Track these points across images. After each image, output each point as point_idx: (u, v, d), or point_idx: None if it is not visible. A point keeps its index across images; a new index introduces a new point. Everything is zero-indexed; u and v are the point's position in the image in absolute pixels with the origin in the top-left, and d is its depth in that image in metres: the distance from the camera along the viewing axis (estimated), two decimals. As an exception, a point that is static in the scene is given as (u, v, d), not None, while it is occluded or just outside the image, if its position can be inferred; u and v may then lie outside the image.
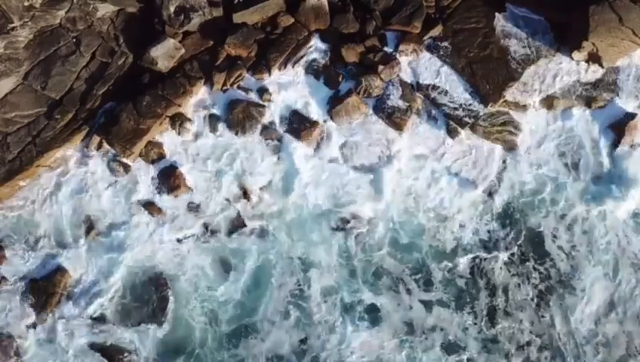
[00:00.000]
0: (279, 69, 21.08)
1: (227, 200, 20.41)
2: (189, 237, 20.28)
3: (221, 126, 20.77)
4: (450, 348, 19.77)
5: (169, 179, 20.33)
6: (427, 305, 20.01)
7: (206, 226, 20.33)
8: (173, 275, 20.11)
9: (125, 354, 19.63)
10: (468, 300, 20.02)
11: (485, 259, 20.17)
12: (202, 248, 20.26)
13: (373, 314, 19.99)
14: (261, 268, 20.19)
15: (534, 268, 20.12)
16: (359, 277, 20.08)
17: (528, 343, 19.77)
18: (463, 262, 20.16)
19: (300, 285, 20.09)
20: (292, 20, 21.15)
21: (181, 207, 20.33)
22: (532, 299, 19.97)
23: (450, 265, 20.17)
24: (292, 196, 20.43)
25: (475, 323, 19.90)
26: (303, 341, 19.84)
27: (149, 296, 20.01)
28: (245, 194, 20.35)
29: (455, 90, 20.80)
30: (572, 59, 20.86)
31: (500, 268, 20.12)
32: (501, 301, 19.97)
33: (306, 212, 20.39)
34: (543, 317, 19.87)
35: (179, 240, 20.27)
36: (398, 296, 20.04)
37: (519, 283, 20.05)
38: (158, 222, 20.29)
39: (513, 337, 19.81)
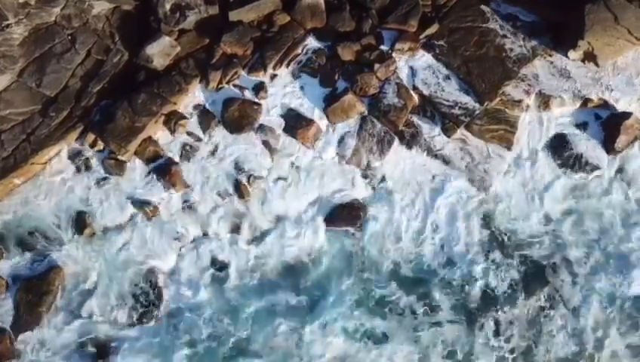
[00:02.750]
0: (275, 67, 21.06)
1: (221, 196, 20.33)
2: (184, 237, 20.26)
3: (216, 124, 20.73)
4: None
5: (165, 176, 20.26)
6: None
7: (202, 226, 20.26)
8: (168, 274, 20.02)
9: (118, 351, 19.52)
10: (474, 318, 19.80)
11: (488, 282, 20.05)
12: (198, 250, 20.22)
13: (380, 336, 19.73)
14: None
15: (536, 289, 19.94)
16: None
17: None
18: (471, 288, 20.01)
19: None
20: (288, 19, 21.17)
21: (176, 205, 20.25)
22: (537, 317, 19.79)
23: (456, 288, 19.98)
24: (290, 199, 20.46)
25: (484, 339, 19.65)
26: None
27: (144, 294, 19.88)
28: (240, 193, 20.25)
29: (451, 88, 20.81)
30: (568, 58, 20.91)
31: (503, 289, 19.95)
32: (505, 318, 19.73)
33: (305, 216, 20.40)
34: (547, 334, 19.71)
35: (175, 239, 20.19)
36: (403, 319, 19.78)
37: (522, 302, 19.85)
38: (154, 220, 20.18)
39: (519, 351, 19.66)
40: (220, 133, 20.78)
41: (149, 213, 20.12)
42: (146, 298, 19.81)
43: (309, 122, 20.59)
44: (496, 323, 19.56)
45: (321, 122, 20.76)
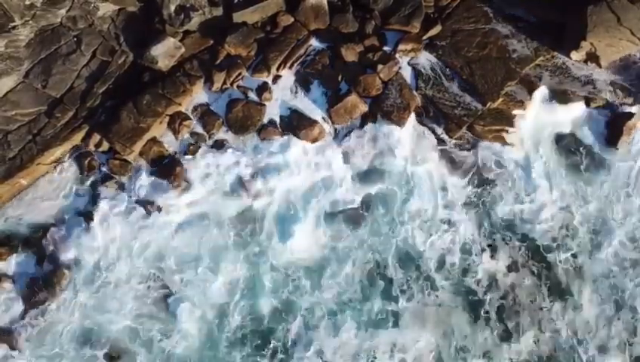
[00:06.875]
0: (279, 69, 21.15)
1: (227, 194, 20.48)
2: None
3: (220, 124, 20.85)
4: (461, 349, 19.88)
5: (169, 177, 20.36)
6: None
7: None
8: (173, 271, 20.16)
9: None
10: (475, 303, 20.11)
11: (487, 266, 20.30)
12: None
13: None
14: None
15: (535, 275, 20.20)
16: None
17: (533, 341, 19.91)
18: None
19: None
20: (292, 20, 21.26)
21: (181, 204, 20.35)
22: (535, 302, 20.05)
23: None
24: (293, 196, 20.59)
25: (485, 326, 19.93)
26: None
27: (151, 290, 20.02)
28: (245, 189, 20.39)
29: (454, 89, 20.91)
30: (570, 58, 20.97)
31: (504, 274, 20.21)
32: (506, 303, 20.03)
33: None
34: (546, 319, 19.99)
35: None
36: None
37: (522, 287, 20.12)
38: (157, 220, 20.29)
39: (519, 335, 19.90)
40: (223, 134, 20.90)
41: (153, 212, 20.18)
42: (154, 293, 19.94)
43: (312, 123, 20.69)
44: (500, 309, 19.89)
45: (324, 123, 20.87)
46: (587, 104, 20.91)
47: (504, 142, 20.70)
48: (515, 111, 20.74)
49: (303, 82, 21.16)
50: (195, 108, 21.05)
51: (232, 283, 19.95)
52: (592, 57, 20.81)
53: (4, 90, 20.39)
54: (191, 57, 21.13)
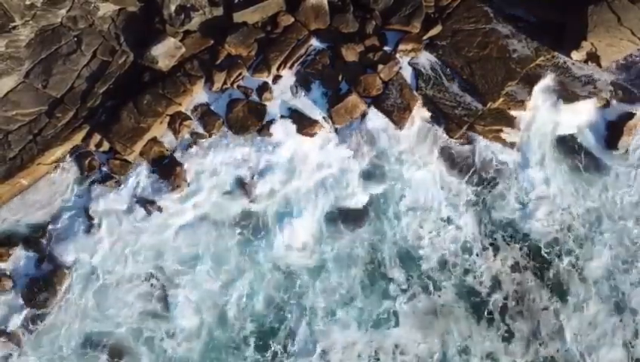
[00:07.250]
0: (279, 69, 21.16)
1: (227, 194, 20.52)
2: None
3: (221, 124, 20.84)
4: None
5: (169, 177, 20.37)
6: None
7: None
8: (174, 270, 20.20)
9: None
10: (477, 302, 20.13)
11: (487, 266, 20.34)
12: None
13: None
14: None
15: (536, 275, 20.23)
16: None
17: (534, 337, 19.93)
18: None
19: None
20: (292, 20, 21.27)
21: (181, 204, 20.34)
22: (537, 303, 20.08)
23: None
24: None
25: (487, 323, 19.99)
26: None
27: (152, 289, 20.05)
28: (245, 192, 20.40)
29: (454, 89, 20.91)
30: (571, 58, 20.97)
31: (505, 274, 20.23)
32: (508, 302, 20.06)
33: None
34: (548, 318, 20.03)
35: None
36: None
37: (523, 287, 20.15)
38: (158, 220, 20.28)
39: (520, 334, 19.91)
40: (224, 134, 20.89)
41: (154, 212, 20.18)
42: (155, 292, 19.95)
43: (313, 122, 20.70)
44: (502, 309, 19.91)
45: (325, 123, 20.86)
46: (588, 104, 20.87)
47: (504, 142, 20.72)
48: (515, 112, 20.78)
49: (304, 82, 21.17)
50: (195, 108, 21.07)
51: (233, 283, 20.00)
52: (593, 57, 20.83)
53: (4, 90, 20.39)
54: (191, 57, 21.14)
